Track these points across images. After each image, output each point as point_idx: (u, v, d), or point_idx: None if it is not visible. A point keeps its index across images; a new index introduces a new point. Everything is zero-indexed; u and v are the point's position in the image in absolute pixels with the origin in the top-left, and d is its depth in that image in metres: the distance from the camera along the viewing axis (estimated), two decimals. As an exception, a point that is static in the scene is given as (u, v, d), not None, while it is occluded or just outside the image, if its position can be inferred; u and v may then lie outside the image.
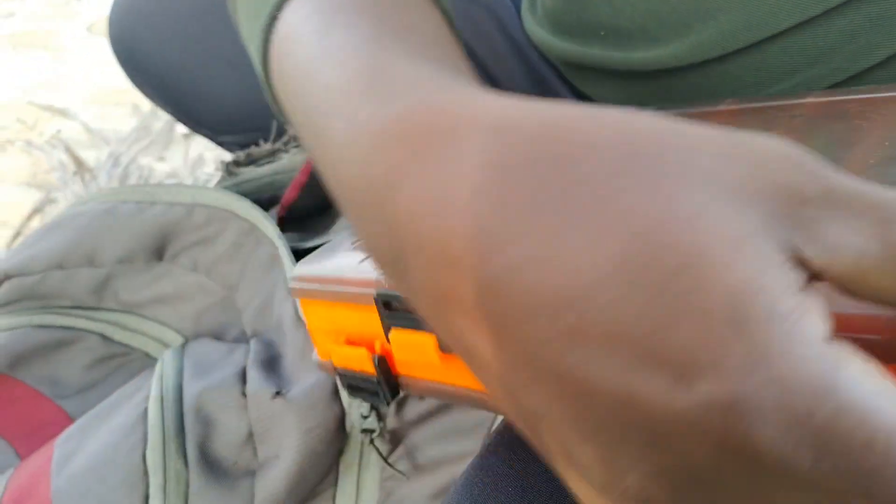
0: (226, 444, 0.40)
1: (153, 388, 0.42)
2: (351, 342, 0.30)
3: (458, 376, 0.27)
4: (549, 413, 0.15)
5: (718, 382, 0.13)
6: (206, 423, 0.40)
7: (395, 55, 0.22)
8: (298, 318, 0.43)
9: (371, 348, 0.29)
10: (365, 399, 0.31)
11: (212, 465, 0.40)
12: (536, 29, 0.50)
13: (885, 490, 0.13)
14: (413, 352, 0.27)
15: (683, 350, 0.14)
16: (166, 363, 0.44)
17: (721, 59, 0.38)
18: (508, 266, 0.15)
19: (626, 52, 0.42)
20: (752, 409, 0.13)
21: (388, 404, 0.30)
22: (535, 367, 0.15)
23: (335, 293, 0.29)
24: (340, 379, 0.31)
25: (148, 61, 0.63)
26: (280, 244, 0.46)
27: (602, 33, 0.43)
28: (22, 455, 0.48)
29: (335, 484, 0.41)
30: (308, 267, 0.31)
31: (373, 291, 0.28)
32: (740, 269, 0.14)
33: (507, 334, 0.15)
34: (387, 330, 0.28)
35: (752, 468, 0.14)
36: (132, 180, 1.05)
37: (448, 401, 0.30)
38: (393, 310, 0.27)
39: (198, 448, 0.40)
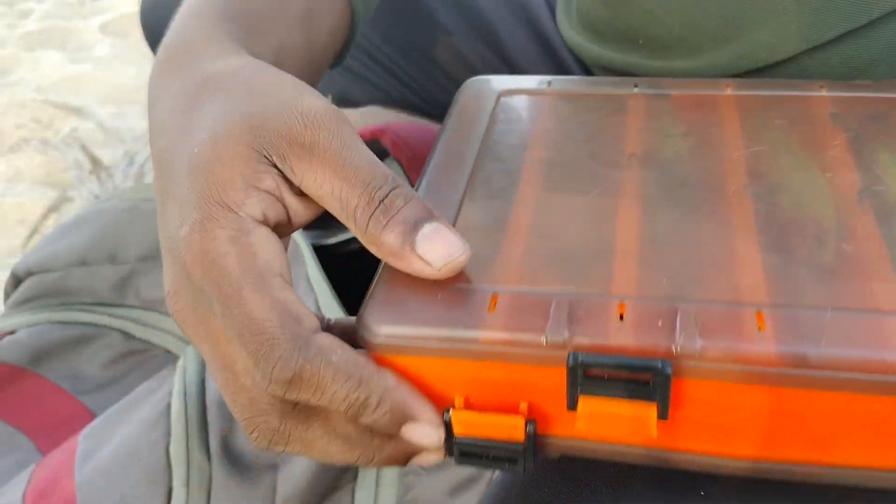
0: (248, 438, 0.40)
1: (176, 382, 0.42)
2: (477, 405, 0.25)
3: (638, 435, 0.24)
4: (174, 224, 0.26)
5: (185, 225, 0.25)
6: (228, 418, 0.41)
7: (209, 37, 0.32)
8: (320, 314, 0.43)
9: (514, 410, 0.25)
10: (487, 467, 0.26)
11: (234, 459, 0.40)
12: (571, 33, 0.49)
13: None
14: (613, 423, 0.23)
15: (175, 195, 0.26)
16: (189, 358, 0.44)
17: (760, 70, 0.38)
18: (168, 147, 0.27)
19: (664, 61, 0.41)
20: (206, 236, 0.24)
21: (524, 472, 0.26)
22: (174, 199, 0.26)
23: (461, 350, 0.24)
24: (454, 447, 0.26)
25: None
26: (300, 239, 0.47)
27: (640, 41, 0.42)
28: (43, 450, 0.48)
29: (355, 479, 0.41)
30: (396, 317, 0.25)
31: (563, 354, 0.23)
32: (225, 170, 0.25)
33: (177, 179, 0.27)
34: (573, 398, 0.24)
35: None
36: (148, 179, 1.05)
37: (593, 457, 0.26)
38: (593, 376, 0.23)
39: (220, 442, 0.40)
